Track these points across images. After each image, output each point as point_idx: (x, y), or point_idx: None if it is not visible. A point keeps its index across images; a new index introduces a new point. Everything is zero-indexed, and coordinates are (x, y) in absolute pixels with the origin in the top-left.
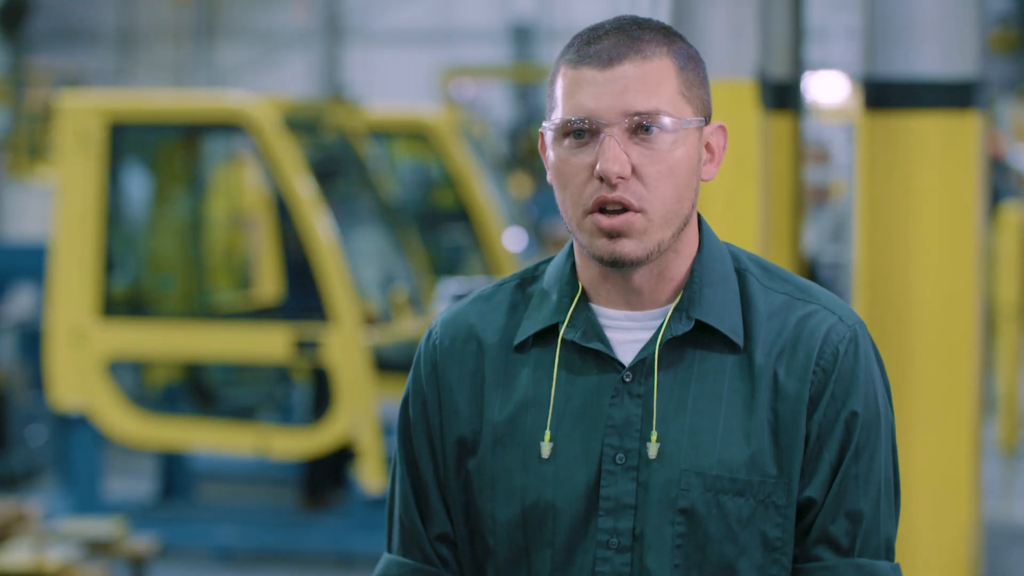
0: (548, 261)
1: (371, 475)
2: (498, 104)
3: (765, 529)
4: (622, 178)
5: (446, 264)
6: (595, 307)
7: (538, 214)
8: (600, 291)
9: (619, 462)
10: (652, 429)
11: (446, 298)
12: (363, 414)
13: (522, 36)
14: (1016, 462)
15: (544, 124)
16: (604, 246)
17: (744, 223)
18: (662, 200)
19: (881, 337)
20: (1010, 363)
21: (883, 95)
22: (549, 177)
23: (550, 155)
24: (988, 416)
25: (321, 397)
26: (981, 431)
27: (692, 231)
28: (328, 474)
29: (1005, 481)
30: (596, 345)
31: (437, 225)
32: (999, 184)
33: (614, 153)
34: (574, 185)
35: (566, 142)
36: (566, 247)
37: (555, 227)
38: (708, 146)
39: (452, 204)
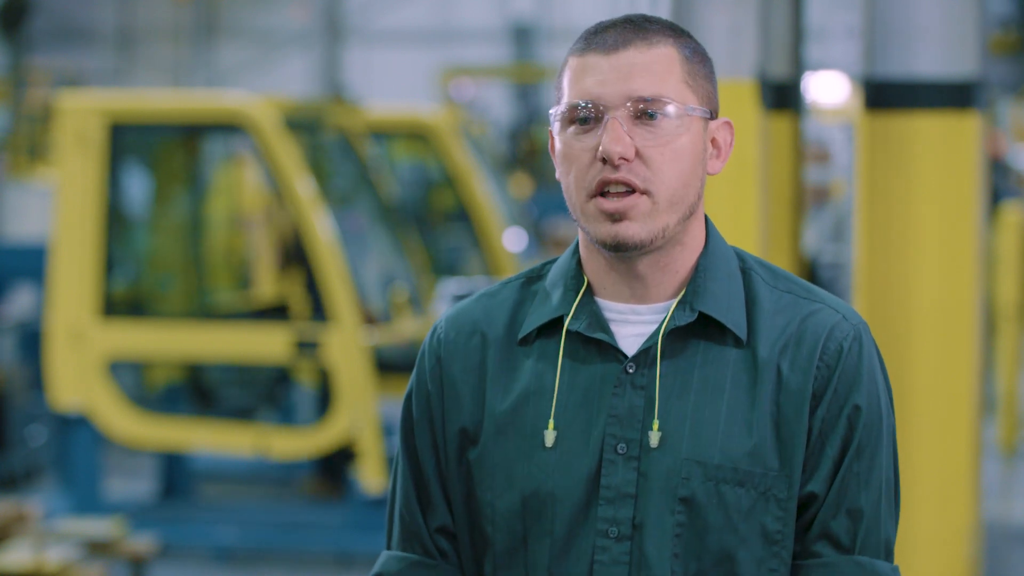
0: (553, 261)
1: (371, 475)
2: (497, 104)
3: (765, 521)
4: (624, 159)
5: (446, 264)
6: (600, 301)
7: (538, 214)
8: (606, 284)
9: (620, 452)
10: (654, 418)
11: (446, 298)
12: (363, 414)
13: (521, 36)
14: (1016, 462)
15: (550, 112)
16: (607, 229)
17: (744, 223)
18: (667, 183)
19: (881, 337)
20: (1010, 363)
21: (883, 95)
22: (557, 173)
23: (556, 143)
24: (988, 416)
25: (321, 397)
26: (981, 431)
27: (698, 226)
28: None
29: (1005, 481)
30: (600, 335)
31: (437, 225)
32: (999, 184)
33: (617, 134)
34: (578, 168)
35: (571, 128)
36: (572, 245)
37: (555, 227)
38: (714, 141)
39: (452, 204)
